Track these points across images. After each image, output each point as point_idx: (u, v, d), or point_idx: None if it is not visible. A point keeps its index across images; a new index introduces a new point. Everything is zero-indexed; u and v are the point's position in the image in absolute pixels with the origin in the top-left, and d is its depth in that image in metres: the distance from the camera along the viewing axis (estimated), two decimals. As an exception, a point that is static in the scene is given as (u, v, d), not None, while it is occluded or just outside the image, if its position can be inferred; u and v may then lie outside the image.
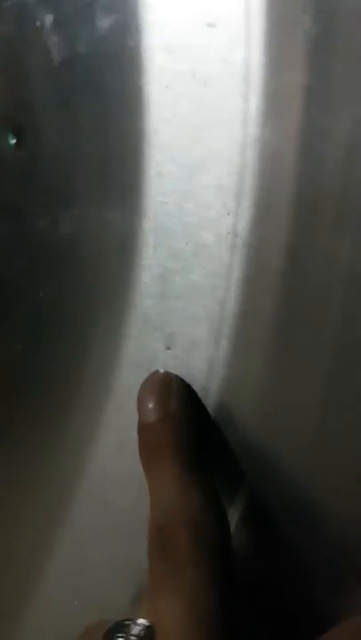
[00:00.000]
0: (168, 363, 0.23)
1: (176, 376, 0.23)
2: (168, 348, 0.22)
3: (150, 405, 0.21)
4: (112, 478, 0.25)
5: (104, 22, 0.21)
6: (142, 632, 0.22)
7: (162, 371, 0.23)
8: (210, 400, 0.22)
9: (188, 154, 0.20)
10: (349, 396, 0.20)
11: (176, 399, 0.22)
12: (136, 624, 0.22)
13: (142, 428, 0.21)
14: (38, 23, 0.24)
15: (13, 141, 0.25)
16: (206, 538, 0.19)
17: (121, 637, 0.22)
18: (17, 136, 0.25)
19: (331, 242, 0.19)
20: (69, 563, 0.28)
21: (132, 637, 0.21)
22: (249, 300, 0.21)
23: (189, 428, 0.21)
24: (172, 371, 0.22)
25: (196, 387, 0.22)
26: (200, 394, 0.22)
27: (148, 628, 0.22)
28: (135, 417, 0.22)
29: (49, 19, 0.23)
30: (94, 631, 0.23)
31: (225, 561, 0.19)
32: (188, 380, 0.23)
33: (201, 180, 0.20)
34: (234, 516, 0.23)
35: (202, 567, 0.19)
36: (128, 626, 0.22)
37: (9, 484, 0.29)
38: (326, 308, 0.20)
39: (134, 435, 0.22)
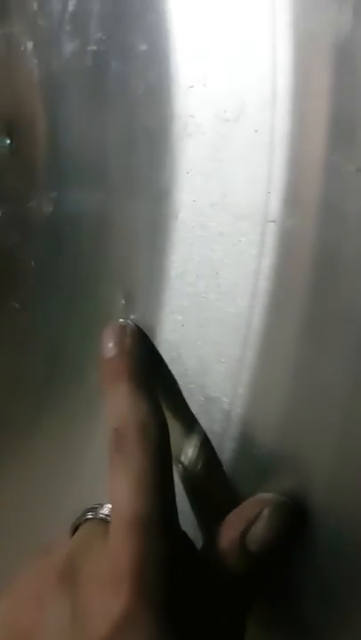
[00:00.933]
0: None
1: (130, 322, 0.27)
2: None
3: (110, 344, 0.27)
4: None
5: (70, 47, 0.28)
6: (109, 512, 0.25)
7: (120, 320, 0.28)
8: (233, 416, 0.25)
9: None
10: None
11: (130, 338, 0.27)
12: (103, 507, 0.26)
13: (103, 362, 0.26)
14: (22, 48, 0.30)
15: (8, 141, 0.32)
16: (150, 434, 0.24)
17: (90, 515, 0.26)
18: (10, 137, 0.31)
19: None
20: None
21: (100, 515, 0.25)
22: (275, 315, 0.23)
23: (139, 359, 0.26)
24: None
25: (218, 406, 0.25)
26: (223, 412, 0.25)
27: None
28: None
29: (30, 45, 0.30)
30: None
31: (165, 452, 0.24)
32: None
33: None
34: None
35: (146, 454, 0.23)
36: (96, 508, 0.26)
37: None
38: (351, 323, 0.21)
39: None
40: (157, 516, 0.22)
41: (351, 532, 0.22)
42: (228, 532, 0.24)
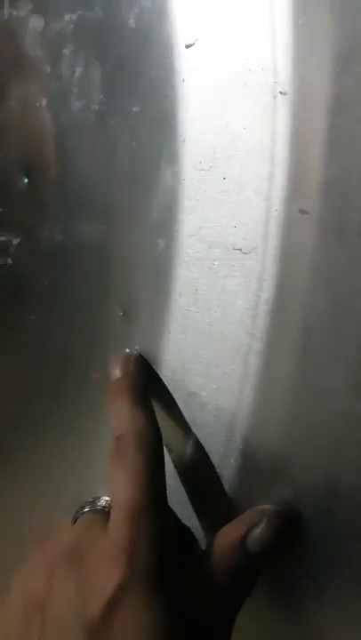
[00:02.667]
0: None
1: (134, 352, 0.32)
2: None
3: (116, 370, 0.32)
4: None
5: (77, 104, 0.34)
6: (106, 504, 0.29)
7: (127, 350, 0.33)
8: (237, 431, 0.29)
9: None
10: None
11: (132, 364, 0.32)
12: (100, 499, 0.29)
13: (110, 384, 0.31)
14: (38, 104, 0.36)
15: (25, 180, 0.38)
16: (145, 440, 0.28)
17: (88, 507, 0.29)
18: (27, 177, 0.37)
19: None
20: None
21: (97, 507, 0.29)
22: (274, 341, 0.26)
23: (138, 380, 0.31)
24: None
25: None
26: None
27: (110, 502, 0.29)
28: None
29: (44, 101, 0.36)
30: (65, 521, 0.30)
31: (157, 454, 0.28)
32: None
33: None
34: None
35: (141, 455, 0.27)
36: (94, 501, 0.30)
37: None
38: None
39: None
40: (150, 504, 0.26)
41: (348, 535, 0.25)
42: (231, 533, 0.27)
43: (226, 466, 0.30)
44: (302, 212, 0.26)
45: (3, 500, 0.42)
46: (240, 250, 0.28)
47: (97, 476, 0.34)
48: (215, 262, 0.29)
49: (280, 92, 0.26)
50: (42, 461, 0.40)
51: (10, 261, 0.39)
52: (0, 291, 0.39)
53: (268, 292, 0.27)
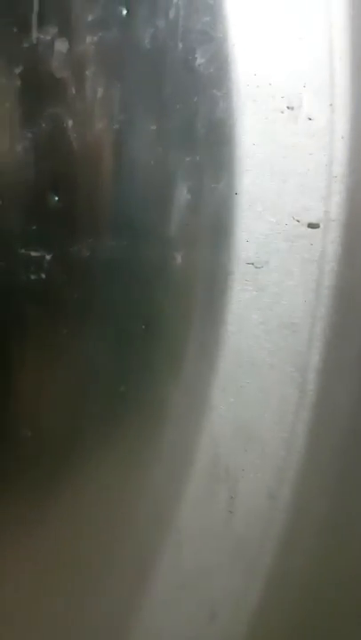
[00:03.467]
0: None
1: None
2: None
3: None
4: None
5: (100, 124, 0.35)
6: None
7: None
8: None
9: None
10: None
11: None
12: None
13: None
14: (64, 124, 0.37)
15: (56, 198, 0.39)
16: None
17: None
18: (57, 195, 0.39)
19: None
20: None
21: None
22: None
23: None
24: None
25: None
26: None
27: None
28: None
29: (70, 122, 0.37)
30: None
31: None
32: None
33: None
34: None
35: None
36: None
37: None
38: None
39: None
40: None
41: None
42: None
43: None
44: (312, 225, 0.26)
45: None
46: (252, 264, 0.28)
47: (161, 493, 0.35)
48: (229, 277, 0.29)
49: (287, 107, 0.26)
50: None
51: (43, 276, 0.40)
52: (35, 305, 0.41)
53: (280, 307, 0.27)
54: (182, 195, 0.30)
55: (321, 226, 0.25)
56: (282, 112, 0.26)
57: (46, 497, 0.39)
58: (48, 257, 0.40)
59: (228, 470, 0.30)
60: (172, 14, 0.30)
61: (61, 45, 0.36)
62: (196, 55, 0.29)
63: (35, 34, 0.38)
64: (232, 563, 0.31)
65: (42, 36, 0.38)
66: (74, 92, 0.36)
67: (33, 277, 0.40)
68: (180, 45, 0.30)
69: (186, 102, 0.30)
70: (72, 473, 0.40)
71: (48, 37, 0.37)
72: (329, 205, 0.27)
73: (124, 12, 0.32)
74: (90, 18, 0.34)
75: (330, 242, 0.25)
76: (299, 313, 0.26)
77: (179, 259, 0.31)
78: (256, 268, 0.28)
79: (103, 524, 0.35)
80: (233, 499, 0.31)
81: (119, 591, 0.35)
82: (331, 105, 0.25)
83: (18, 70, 0.38)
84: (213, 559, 0.30)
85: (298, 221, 0.25)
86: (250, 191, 0.27)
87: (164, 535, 0.31)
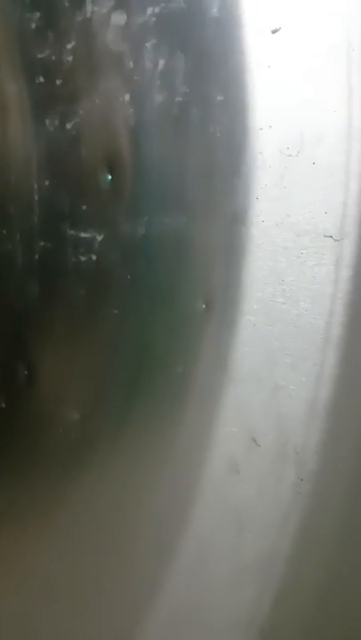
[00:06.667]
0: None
1: None
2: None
3: None
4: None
5: (159, 98, 0.34)
6: None
7: None
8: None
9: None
10: None
11: None
12: None
13: None
14: (121, 99, 0.36)
15: (110, 177, 0.38)
16: None
17: None
18: (111, 174, 0.38)
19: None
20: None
21: None
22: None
23: None
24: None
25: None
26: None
27: None
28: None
29: (127, 96, 0.36)
30: None
31: None
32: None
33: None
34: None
35: None
36: None
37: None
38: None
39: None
40: None
41: None
42: None
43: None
44: None
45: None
46: (331, 237, 0.27)
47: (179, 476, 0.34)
48: (303, 251, 0.28)
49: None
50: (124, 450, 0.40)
51: (94, 257, 0.39)
52: (85, 286, 0.40)
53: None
54: (248, 167, 0.29)
55: None
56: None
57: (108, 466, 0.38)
58: (99, 237, 0.39)
59: (296, 449, 0.29)
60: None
61: (119, 18, 0.35)
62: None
63: (89, 7, 0.37)
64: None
65: (97, 9, 0.37)
66: (131, 65, 0.35)
67: (83, 259, 0.39)
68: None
69: (255, 70, 0.29)
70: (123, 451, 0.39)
71: (104, 10, 0.36)
72: None
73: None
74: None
75: None
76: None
77: (245, 234, 0.30)
78: (335, 240, 0.27)
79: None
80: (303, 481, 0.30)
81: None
82: None
83: (70, 45, 0.37)
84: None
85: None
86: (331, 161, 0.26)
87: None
